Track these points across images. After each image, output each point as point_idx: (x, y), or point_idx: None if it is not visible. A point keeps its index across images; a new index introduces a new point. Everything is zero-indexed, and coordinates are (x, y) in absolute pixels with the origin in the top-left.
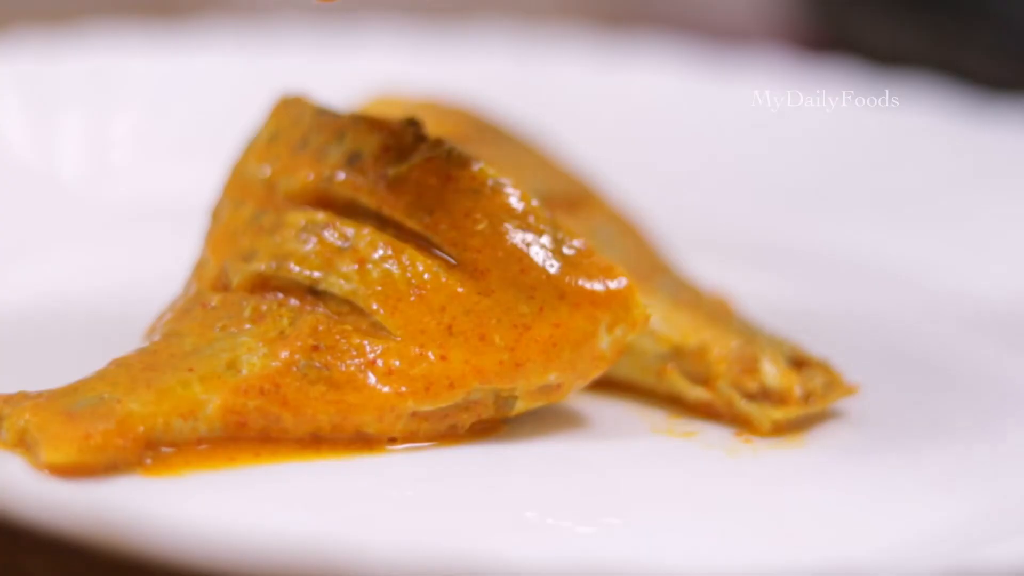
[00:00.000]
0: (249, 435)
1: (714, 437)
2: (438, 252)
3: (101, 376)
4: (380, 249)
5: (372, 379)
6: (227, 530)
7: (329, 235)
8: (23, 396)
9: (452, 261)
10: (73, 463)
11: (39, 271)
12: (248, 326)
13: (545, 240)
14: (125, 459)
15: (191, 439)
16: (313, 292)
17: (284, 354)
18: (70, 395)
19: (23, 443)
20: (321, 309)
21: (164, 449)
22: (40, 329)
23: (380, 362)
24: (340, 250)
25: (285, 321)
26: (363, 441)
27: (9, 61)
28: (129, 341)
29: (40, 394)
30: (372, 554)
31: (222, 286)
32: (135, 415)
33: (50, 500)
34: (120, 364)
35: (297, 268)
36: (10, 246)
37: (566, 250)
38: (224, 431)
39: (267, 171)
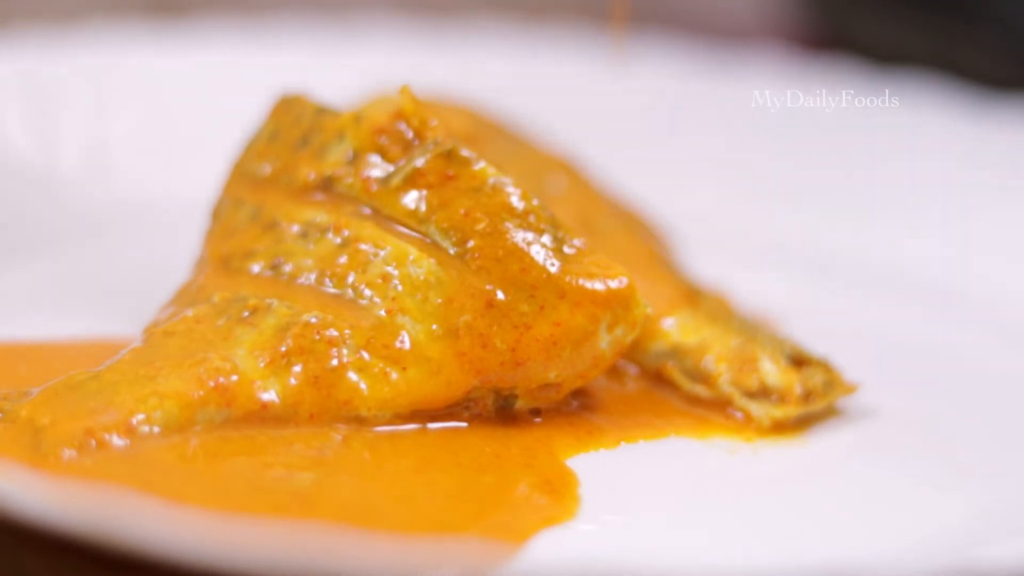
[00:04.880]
0: (244, 425)
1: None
2: (438, 251)
3: (101, 373)
4: (380, 248)
5: (371, 379)
6: (227, 528)
7: (329, 234)
8: (23, 393)
9: (452, 260)
10: (74, 460)
11: (38, 269)
12: (246, 325)
13: (546, 239)
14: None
15: (189, 433)
16: (312, 291)
17: (282, 350)
18: (70, 392)
19: (23, 440)
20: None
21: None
22: (39, 327)
23: (379, 361)
24: (340, 249)
25: (284, 320)
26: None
27: (9, 61)
28: (128, 339)
29: (40, 391)
30: (367, 553)
31: (221, 285)
32: (134, 411)
33: (50, 499)
34: (119, 361)
35: (296, 267)
36: (10, 244)
37: (567, 249)
38: (220, 425)
39: (267, 170)
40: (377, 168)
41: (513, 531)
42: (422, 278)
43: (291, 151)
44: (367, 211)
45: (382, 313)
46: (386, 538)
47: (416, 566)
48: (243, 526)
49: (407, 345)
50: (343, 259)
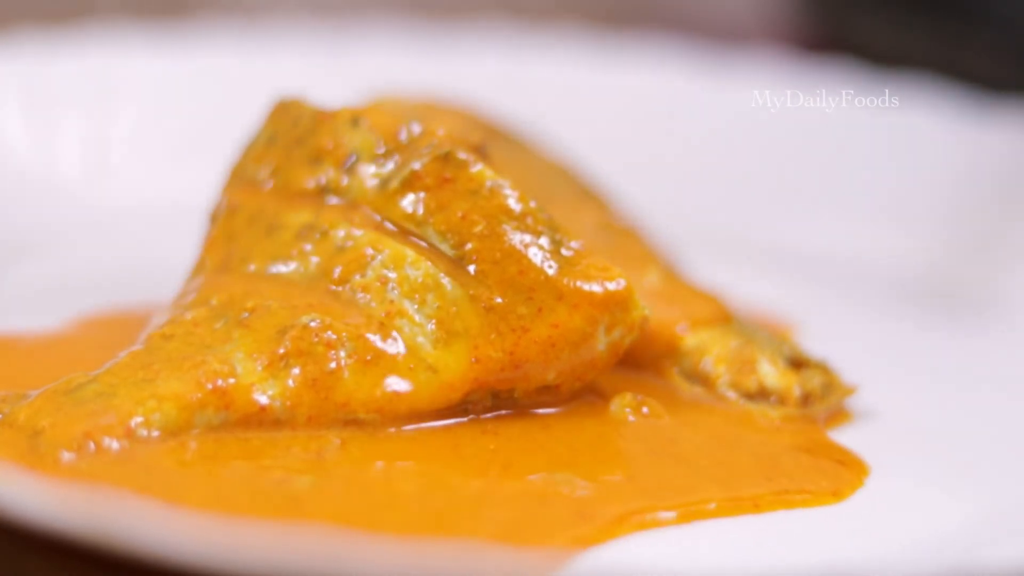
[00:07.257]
0: (242, 428)
1: None
2: (436, 254)
3: (99, 376)
4: (378, 251)
5: (369, 381)
6: (226, 531)
7: (327, 237)
8: (21, 395)
9: (450, 263)
10: (73, 463)
11: (38, 270)
12: (244, 328)
13: (543, 241)
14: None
15: (187, 436)
16: (311, 294)
17: (280, 353)
18: (68, 394)
19: (22, 443)
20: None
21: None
22: (38, 328)
23: (378, 364)
24: (338, 252)
25: (282, 322)
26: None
27: (9, 61)
28: (127, 341)
29: (38, 393)
30: (365, 553)
31: (219, 288)
32: (132, 414)
33: (49, 502)
34: (118, 364)
35: (294, 270)
36: (9, 245)
37: (564, 251)
38: (218, 428)
39: (265, 173)
40: (375, 171)
41: (531, 536)
42: (420, 281)
43: (289, 154)
44: (365, 214)
45: (380, 316)
46: (387, 542)
47: (423, 569)
48: (241, 529)
49: (405, 348)
50: (341, 262)
